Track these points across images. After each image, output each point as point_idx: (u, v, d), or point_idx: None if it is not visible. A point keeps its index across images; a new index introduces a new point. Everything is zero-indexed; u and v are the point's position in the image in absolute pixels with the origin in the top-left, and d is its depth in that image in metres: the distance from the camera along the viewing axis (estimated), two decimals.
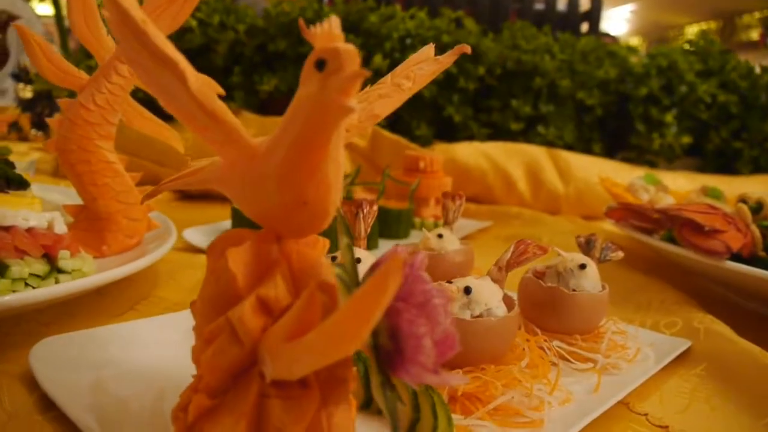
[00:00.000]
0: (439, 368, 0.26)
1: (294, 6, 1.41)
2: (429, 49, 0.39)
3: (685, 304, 0.67)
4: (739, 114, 1.53)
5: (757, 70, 1.58)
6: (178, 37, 1.35)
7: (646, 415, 0.45)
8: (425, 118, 1.46)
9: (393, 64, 1.42)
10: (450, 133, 1.49)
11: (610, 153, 1.57)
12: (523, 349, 0.46)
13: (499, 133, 1.48)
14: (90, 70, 0.70)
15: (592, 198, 1.34)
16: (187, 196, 1.27)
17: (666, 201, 0.92)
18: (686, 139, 1.49)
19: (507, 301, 0.45)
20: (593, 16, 1.99)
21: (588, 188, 1.35)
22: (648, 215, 0.78)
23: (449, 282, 0.44)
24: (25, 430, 0.36)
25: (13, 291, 0.49)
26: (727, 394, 0.49)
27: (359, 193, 1.19)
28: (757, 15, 6.24)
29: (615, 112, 1.54)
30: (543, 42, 1.51)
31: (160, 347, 0.46)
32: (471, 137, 1.47)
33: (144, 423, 0.36)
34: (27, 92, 1.93)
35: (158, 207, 0.85)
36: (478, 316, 0.42)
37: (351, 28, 1.44)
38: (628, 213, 0.82)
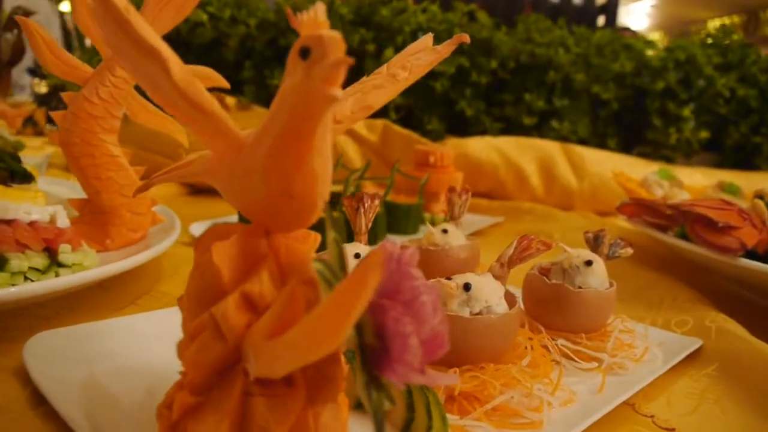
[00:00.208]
0: (426, 368, 0.25)
1: (305, 0, 1.40)
2: (427, 38, 0.38)
3: (698, 302, 0.66)
4: (759, 108, 1.50)
5: None
6: (189, 32, 1.35)
7: (652, 417, 0.44)
8: (437, 113, 1.44)
9: None
10: (462, 127, 1.47)
11: (625, 148, 1.54)
12: (526, 347, 0.45)
13: (511, 128, 1.46)
14: None
15: (607, 193, 1.32)
16: (196, 190, 1.27)
17: (681, 196, 0.90)
18: (704, 134, 1.46)
19: (509, 298, 0.44)
20: (610, 9, 1.96)
21: (602, 183, 1.33)
22: (661, 211, 0.76)
23: (448, 278, 0.42)
24: (16, 425, 0.36)
25: (12, 285, 0.49)
26: (738, 395, 0.48)
27: (369, 188, 1.18)
28: None
29: (631, 107, 1.51)
30: (558, 35, 1.49)
31: (157, 342, 0.45)
32: (483, 132, 1.45)
33: (133, 419, 0.35)
34: (42, 87, 1.95)
35: (167, 202, 0.85)
36: (477, 314, 0.41)
37: (362, 22, 1.43)
38: (640, 209, 0.80)
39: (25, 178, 0.65)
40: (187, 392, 0.29)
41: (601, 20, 1.98)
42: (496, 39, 1.43)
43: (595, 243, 0.55)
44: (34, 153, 1.36)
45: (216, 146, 0.31)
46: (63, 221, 0.58)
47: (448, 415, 0.37)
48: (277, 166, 0.27)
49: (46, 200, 0.61)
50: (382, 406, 0.25)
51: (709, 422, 0.44)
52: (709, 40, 1.62)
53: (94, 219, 0.66)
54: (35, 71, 2.01)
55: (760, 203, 0.68)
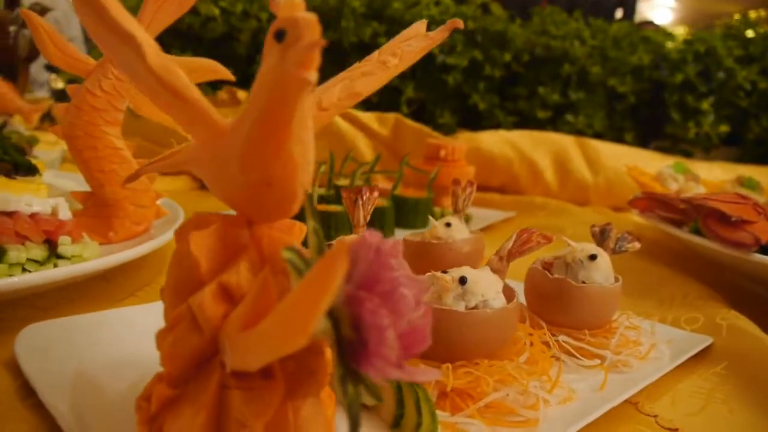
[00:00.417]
0: (403, 362, 0.24)
1: None
2: (421, 24, 0.37)
3: (710, 299, 0.64)
4: None
5: None
6: (201, 26, 1.35)
7: (655, 416, 0.42)
8: (449, 107, 1.43)
9: None
10: (475, 121, 1.45)
11: (643, 142, 1.51)
12: (525, 343, 0.43)
13: (525, 122, 1.44)
14: None
15: (623, 188, 1.29)
16: (204, 185, 1.26)
17: (696, 191, 0.88)
18: (724, 128, 1.43)
19: (507, 292, 0.43)
20: (628, 2, 1.92)
21: (618, 178, 1.30)
22: (674, 205, 0.74)
23: (444, 272, 0.41)
24: (4, 416, 0.36)
25: (10, 276, 0.49)
26: (748, 395, 0.46)
27: (380, 182, 1.17)
28: None
29: (649, 100, 1.48)
30: (573, 27, 1.46)
31: (152, 335, 0.45)
32: (497, 126, 1.43)
33: (119, 412, 0.35)
34: (59, 83, 1.97)
35: (176, 196, 0.85)
36: (473, 308, 0.40)
37: (375, 15, 1.42)
38: (652, 203, 0.78)
39: (29, 170, 0.65)
40: (164, 384, 0.28)
41: (619, 13, 1.94)
42: (511, 31, 1.41)
43: (601, 237, 0.53)
44: (49, 148, 1.37)
45: (198, 134, 0.30)
46: (65, 213, 0.58)
47: (440, 412, 0.36)
48: (255, 153, 0.26)
49: (48, 193, 0.61)
50: (359, 400, 0.24)
51: (716, 422, 0.42)
52: (734, 30, 1.58)
53: (98, 212, 0.66)
54: (53, 67, 2.03)
55: None
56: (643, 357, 0.48)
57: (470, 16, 1.43)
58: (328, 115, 0.33)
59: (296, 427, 0.27)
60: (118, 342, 0.43)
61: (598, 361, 0.46)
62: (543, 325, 0.48)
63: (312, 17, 0.24)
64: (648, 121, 1.51)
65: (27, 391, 0.38)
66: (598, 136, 1.45)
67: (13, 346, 0.41)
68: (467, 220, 1.04)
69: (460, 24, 0.36)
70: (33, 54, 1.79)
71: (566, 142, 1.35)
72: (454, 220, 0.61)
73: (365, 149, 1.31)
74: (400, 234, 0.91)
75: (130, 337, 0.44)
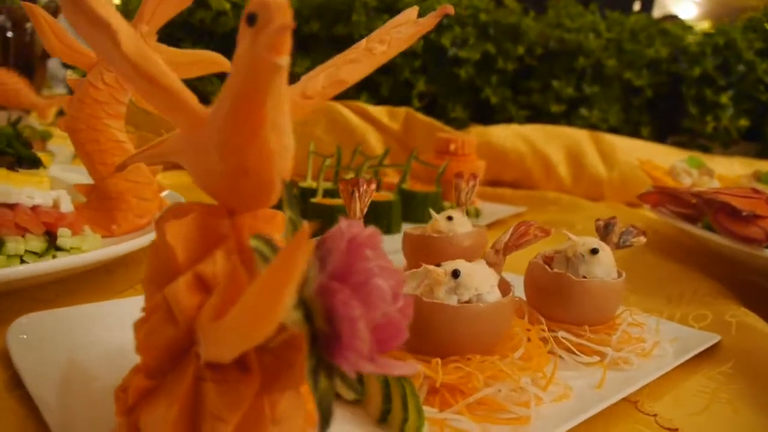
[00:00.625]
0: (376, 355, 0.24)
1: None
2: (412, 11, 0.36)
3: (720, 295, 0.62)
4: None
5: None
6: (213, 21, 1.35)
7: (655, 416, 0.41)
8: (461, 101, 1.41)
9: (428, 45, 1.38)
10: (487, 115, 1.44)
11: (659, 137, 1.48)
12: (522, 339, 0.42)
13: (539, 116, 1.42)
14: None
15: (638, 183, 1.26)
16: None
17: (710, 185, 0.86)
18: (743, 122, 1.39)
19: (503, 286, 0.42)
20: None
21: (633, 173, 1.27)
22: (685, 200, 0.72)
23: (437, 265, 0.41)
24: None
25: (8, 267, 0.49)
26: (754, 395, 0.45)
27: (390, 176, 1.16)
28: None
29: (666, 94, 1.45)
30: (589, 20, 1.44)
31: None
32: (509, 120, 1.41)
33: (103, 403, 0.34)
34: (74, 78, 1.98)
35: (183, 189, 0.85)
36: (466, 302, 0.39)
37: (386, 9, 1.41)
38: (663, 197, 0.76)
39: (33, 163, 0.66)
40: (142, 375, 0.28)
41: (636, 6, 1.91)
42: (524, 24, 1.39)
43: (604, 231, 0.52)
44: (63, 142, 1.38)
45: (179, 122, 0.30)
46: (66, 206, 0.58)
47: (428, 408, 0.35)
48: (230, 140, 0.26)
49: (51, 185, 0.62)
50: (331, 393, 0.24)
51: (718, 423, 0.41)
52: (753, 23, 1.54)
53: (101, 204, 0.66)
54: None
55: None
56: (646, 354, 0.47)
57: (483, 8, 1.42)
58: (312, 103, 0.32)
59: (273, 421, 0.27)
60: (111, 334, 0.43)
61: (598, 358, 0.45)
62: (542, 320, 0.47)
63: (283, 1, 0.23)
64: (665, 116, 1.48)
65: (16, 382, 0.38)
66: (614, 130, 1.42)
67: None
68: (476, 214, 1.03)
69: (450, 10, 0.35)
70: None
71: (580, 136, 1.33)
72: (456, 214, 0.60)
73: (376, 143, 1.30)
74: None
75: (124, 329, 0.43)
